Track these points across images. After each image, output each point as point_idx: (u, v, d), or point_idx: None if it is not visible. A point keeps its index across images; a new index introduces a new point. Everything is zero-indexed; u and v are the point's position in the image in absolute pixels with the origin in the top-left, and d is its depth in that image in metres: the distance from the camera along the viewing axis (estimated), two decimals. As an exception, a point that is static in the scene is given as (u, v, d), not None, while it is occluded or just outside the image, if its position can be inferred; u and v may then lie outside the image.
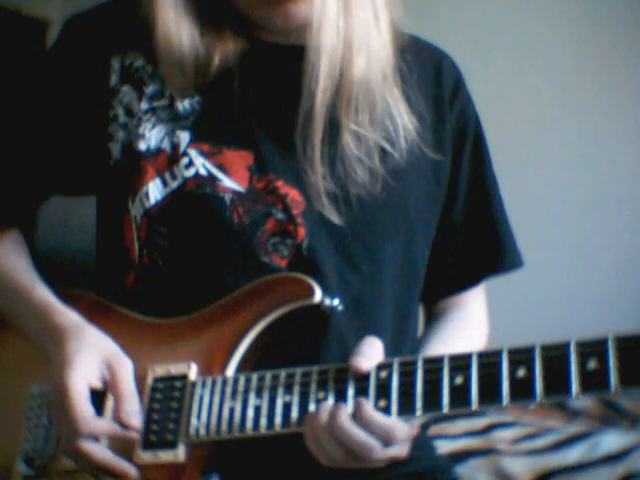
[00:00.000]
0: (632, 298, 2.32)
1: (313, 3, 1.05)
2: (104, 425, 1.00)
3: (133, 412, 1.01)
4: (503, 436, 1.84)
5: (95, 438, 1.00)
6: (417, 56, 1.19)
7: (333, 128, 1.09)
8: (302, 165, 1.09)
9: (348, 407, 0.93)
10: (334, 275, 1.09)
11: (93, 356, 1.03)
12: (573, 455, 1.76)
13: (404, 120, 1.12)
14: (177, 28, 1.09)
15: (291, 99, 1.11)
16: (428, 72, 1.21)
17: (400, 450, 0.95)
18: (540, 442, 1.81)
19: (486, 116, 1.28)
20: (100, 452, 0.99)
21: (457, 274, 1.25)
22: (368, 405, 0.93)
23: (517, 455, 1.76)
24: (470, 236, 1.24)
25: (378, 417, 0.92)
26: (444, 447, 1.67)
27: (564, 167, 2.43)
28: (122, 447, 1.01)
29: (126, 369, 1.03)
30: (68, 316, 1.09)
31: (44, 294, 1.14)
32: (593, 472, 1.71)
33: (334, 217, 1.09)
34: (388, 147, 1.11)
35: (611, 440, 1.80)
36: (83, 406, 0.99)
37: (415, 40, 1.22)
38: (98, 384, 1.02)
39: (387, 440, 0.92)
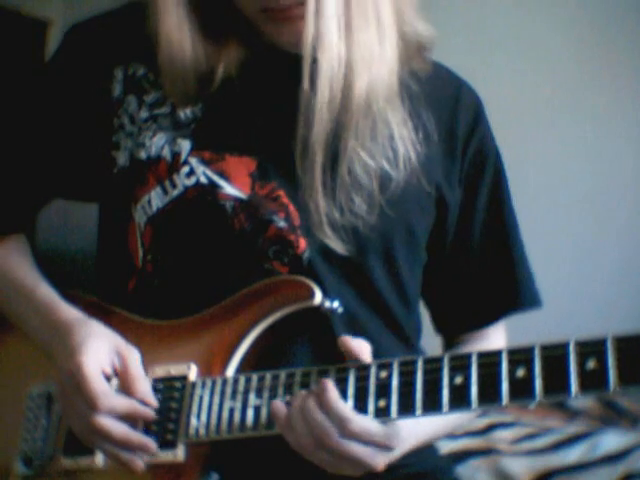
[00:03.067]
0: (632, 298, 2.32)
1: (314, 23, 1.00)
2: (123, 401, 1.00)
3: (147, 392, 1.01)
4: (503, 436, 1.84)
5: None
6: (434, 80, 1.16)
7: (333, 154, 1.06)
8: (304, 194, 1.07)
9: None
10: (333, 290, 1.08)
11: (102, 344, 1.03)
12: (573, 455, 1.76)
13: (406, 146, 1.09)
14: (180, 39, 1.06)
15: (295, 111, 1.09)
16: (445, 100, 1.17)
17: (374, 457, 0.93)
18: (540, 442, 1.81)
19: (486, 116, 1.27)
20: (119, 426, 0.98)
21: (475, 312, 1.24)
22: (332, 392, 0.92)
23: (517, 455, 1.76)
24: (488, 275, 1.22)
25: (337, 405, 0.91)
26: (444, 447, 1.67)
27: (564, 167, 2.43)
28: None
29: (134, 356, 1.03)
30: (72, 311, 1.10)
31: (47, 292, 1.14)
32: (593, 472, 1.71)
33: (338, 247, 1.07)
34: (388, 169, 1.08)
35: (611, 440, 1.80)
36: (100, 383, 0.99)
37: (435, 64, 1.18)
38: (109, 370, 1.02)
39: (341, 429, 0.90)
